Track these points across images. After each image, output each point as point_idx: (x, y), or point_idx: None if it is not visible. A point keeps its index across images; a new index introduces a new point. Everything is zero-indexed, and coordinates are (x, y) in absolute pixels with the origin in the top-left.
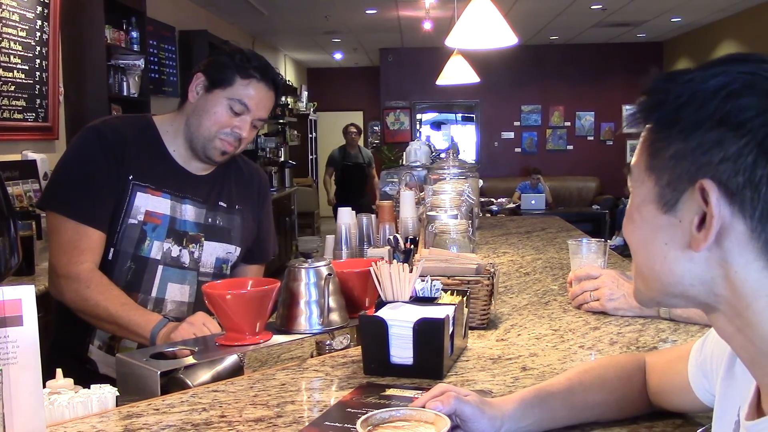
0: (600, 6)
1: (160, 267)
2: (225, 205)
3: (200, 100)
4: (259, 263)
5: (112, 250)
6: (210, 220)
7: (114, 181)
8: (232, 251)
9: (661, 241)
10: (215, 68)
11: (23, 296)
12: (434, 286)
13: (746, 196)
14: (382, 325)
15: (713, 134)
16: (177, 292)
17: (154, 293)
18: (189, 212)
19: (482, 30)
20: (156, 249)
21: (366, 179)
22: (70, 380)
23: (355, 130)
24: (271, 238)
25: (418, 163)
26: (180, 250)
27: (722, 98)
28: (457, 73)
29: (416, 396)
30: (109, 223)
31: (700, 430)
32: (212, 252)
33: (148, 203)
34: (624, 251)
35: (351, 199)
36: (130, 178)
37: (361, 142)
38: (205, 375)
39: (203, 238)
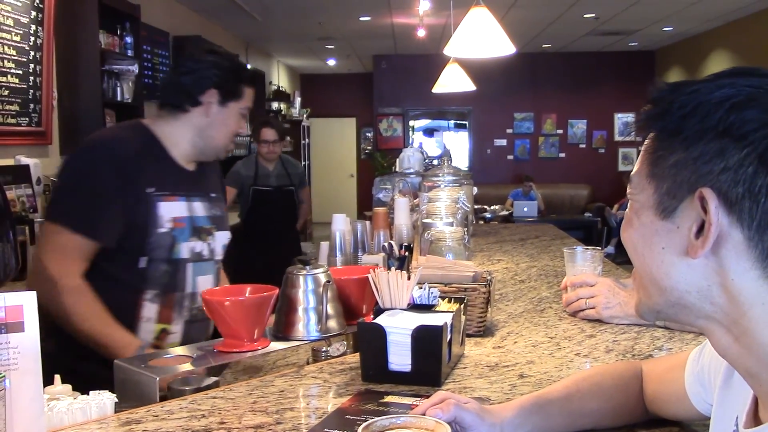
0: (593, 15)
1: (189, 264)
2: (214, 195)
3: (216, 114)
4: None
5: (144, 258)
6: (213, 211)
7: (128, 198)
8: (228, 236)
9: (658, 246)
10: (227, 82)
11: (25, 302)
12: (432, 293)
13: (745, 206)
14: (380, 332)
15: (715, 144)
16: (204, 284)
17: (188, 289)
18: (199, 208)
19: (480, 39)
20: (185, 249)
21: (294, 211)
22: (69, 386)
23: (272, 136)
24: None
25: (411, 170)
26: (201, 245)
27: (726, 110)
28: (453, 81)
29: (415, 403)
30: (129, 237)
31: None
32: (220, 240)
33: (171, 210)
34: (616, 259)
35: (268, 247)
36: (148, 191)
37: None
38: None
39: (214, 230)
